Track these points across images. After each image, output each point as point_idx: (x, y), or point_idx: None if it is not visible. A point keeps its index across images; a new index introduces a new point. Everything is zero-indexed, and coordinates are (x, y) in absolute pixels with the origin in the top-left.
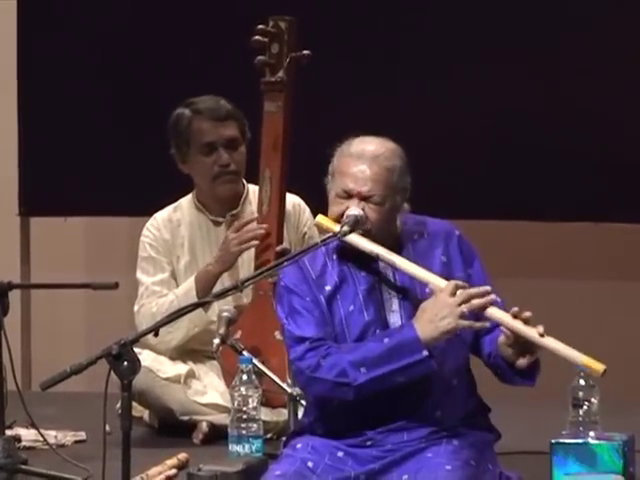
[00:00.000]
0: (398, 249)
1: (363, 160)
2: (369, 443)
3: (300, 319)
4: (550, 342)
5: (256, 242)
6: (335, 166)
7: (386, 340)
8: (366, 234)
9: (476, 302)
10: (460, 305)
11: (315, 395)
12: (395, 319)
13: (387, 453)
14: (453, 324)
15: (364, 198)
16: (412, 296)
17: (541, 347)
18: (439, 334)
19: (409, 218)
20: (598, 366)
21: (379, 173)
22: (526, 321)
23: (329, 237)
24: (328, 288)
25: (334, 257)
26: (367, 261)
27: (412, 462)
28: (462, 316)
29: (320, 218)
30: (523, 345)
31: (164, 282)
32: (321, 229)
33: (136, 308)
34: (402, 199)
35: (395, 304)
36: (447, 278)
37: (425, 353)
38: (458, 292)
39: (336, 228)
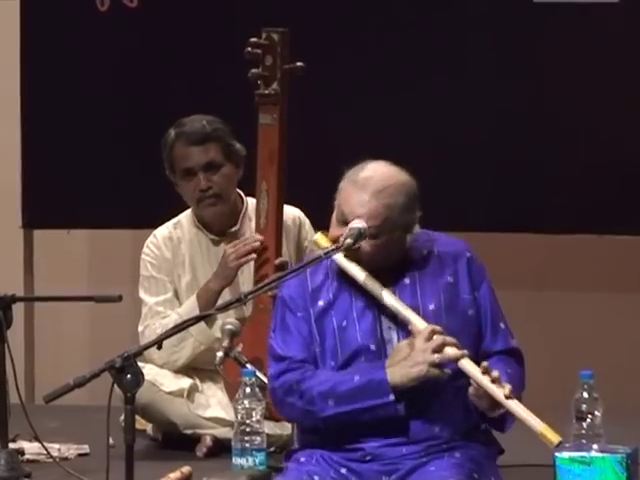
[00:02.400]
0: (403, 268)
1: (365, 191)
2: (368, 458)
3: (287, 336)
4: (512, 405)
5: (254, 256)
6: (340, 188)
7: (356, 378)
8: (358, 262)
9: (449, 352)
10: (433, 352)
11: (286, 417)
12: (391, 336)
13: (388, 467)
14: (423, 372)
15: None
16: (412, 310)
17: (504, 407)
18: (408, 380)
19: (422, 234)
20: (553, 437)
21: (377, 208)
22: (494, 380)
23: (331, 250)
24: (320, 303)
25: (336, 269)
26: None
27: (415, 476)
28: (433, 365)
29: (319, 237)
30: (491, 399)
31: (167, 302)
32: (318, 247)
33: (140, 329)
34: (404, 232)
35: (392, 321)
36: (453, 299)
37: (391, 398)
38: (435, 337)
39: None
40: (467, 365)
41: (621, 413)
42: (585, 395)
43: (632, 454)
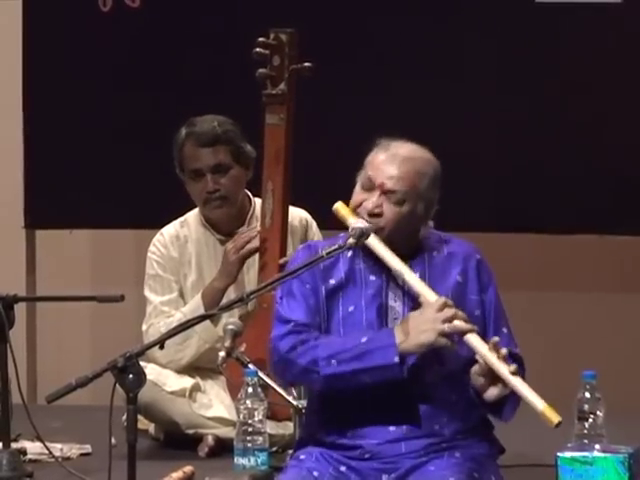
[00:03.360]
0: (414, 259)
1: (396, 158)
2: (367, 456)
3: (293, 302)
4: (517, 382)
5: (254, 245)
6: (368, 158)
7: (363, 339)
8: (379, 232)
9: (458, 324)
10: (443, 323)
11: (284, 378)
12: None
13: (388, 465)
14: (431, 339)
15: (385, 192)
16: (418, 306)
17: (507, 384)
18: (415, 345)
19: (433, 234)
20: (554, 417)
21: (408, 172)
22: (502, 357)
23: (334, 250)
24: (332, 282)
25: (348, 254)
26: (379, 265)
27: (415, 475)
28: (442, 333)
29: (339, 205)
30: (494, 378)
31: (172, 302)
32: (337, 215)
33: (144, 328)
34: (425, 209)
35: (399, 312)
36: (460, 298)
37: (396, 359)
38: (445, 309)
39: (351, 219)
40: (474, 340)
41: (623, 413)
42: (587, 395)
43: (634, 454)
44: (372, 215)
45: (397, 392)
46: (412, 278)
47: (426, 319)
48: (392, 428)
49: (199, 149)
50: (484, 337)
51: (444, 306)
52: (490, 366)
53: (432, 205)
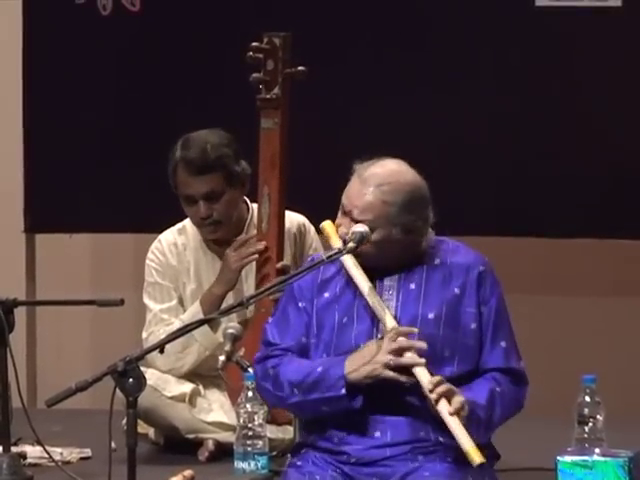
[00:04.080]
0: (411, 273)
1: (365, 185)
2: (353, 460)
3: (281, 325)
4: (450, 421)
5: (255, 257)
6: (350, 179)
7: (319, 369)
8: (360, 256)
9: (404, 359)
10: (391, 354)
11: (265, 401)
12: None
13: (379, 469)
14: (377, 372)
15: (354, 220)
16: (411, 315)
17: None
18: (362, 377)
19: (440, 243)
20: (477, 458)
21: (372, 203)
22: (441, 395)
23: (334, 254)
24: (326, 295)
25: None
26: (375, 275)
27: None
28: (387, 366)
29: (326, 224)
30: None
31: (172, 309)
32: (324, 234)
33: (144, 335)
34: (404, 232)
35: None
36: (455, 311)
37: (342, 392)
38: (399, 340)
39: (336, 239)
40: (420, 374)
41: (623, 417)
42: (587, 399)
43: (634, 458)
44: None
45: (382, 400)
46: (375, 302)
47: (375, 351)
48: (377, 434)
49: (191, 177)
50: (481, 349)
51: (396, 336)
52: (430, 401)
53: (413, 226)
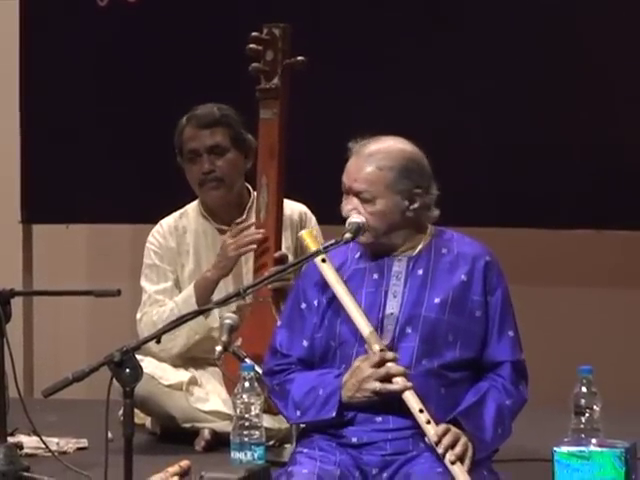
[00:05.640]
0: (419, 259)
1: (361, 158)
2: (354, 440)
3: (288, 331)
4: (440, 448)
5: (254, 246)
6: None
7: (320, 392)
8: (364, 232)
9: (392, 386)
10: (377, 380)
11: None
12: (390, 321)
13: (381, 453)
14: (366, 397)
15: (355, 195)
16: (417, 300)
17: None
18: (357, 402)
19: (445, 233)
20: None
21: (368, 171)
22: (429, 421)
23: (331, 244)
24: (330, 294)
25: (356, 255)
26: (384, 264)
27: (406, 469)
28: (375, 393)
29: (305, 233)
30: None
31: (167, 291)
32: (301, 243)
33: (138, 316)
34: (407, 200)
35: (395, 309)
36: (462, 298)
37: (333, 414)
38: (389, 364)
39: (313, 247)
40: (409, 399)
41: (620, 408)
42: (584, 390)
43: (631, 449)
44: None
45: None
46: (351, 307)
47: (362, 377)
48: (379, 419)
49: (198, 130)
50: (485, 338)
51: (382, 361)
52: (420, 425)
53: (416, 194)
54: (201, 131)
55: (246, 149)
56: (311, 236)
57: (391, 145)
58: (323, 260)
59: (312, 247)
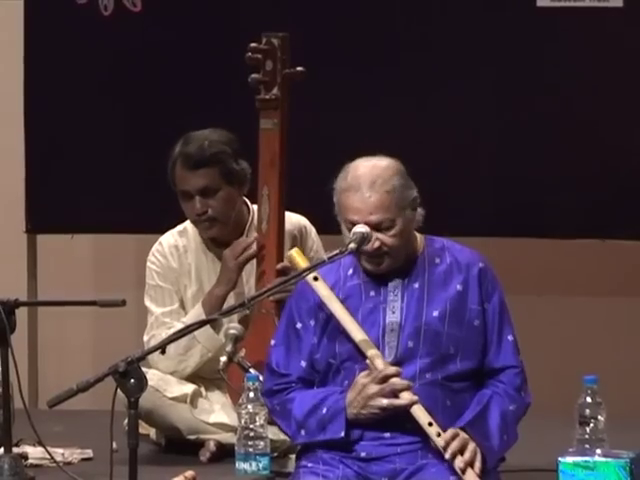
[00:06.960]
0: (414, 272)
1: (361, 190)
2: (363, 454)
3: (284, 350)
4: (454, 459)
5: (252, 251)
6: (338, 201)
7: (324, 411)
8: (389, 259)
9: (400, 402)
10: (383, 396)
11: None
12: (391, 337)
13: (390, 466)
14: (373, 414)
15: (374, 227)
16: (416, 314)
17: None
18: (363, 419)
19: (436, 242)
20: None
21: (380, 200)
22: (439, 434)
23: (335, 255)
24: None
25: (349, 272)
26: (380, 280)
27: (417, 477)
28: (382, 409)
29: (294, 252)
30: None
31: (173, 313)
32: (291, 262)
33: (146, 339)
34: (412, 209)
35: (395, 325)
36: (460, 308)
37: (341, 435)
38: (393, 379)
39: (303, 266)
40: (417, 412)
41: (624, 418)
42: (588, 400)
43: (636, 459)
44: (378, 255)
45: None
46: (348, 324)
47: (366, 395)
48: (387, 434)
49: (187, 172)
50: (485, 345)
51: (385, 378)
52: (431, 438)
53: (415, 199)
54: (191, 172)
55: (240, 180)
56: (300, 255)
57: (379, 167)
58: (315, 278)
59: (302, 265)
